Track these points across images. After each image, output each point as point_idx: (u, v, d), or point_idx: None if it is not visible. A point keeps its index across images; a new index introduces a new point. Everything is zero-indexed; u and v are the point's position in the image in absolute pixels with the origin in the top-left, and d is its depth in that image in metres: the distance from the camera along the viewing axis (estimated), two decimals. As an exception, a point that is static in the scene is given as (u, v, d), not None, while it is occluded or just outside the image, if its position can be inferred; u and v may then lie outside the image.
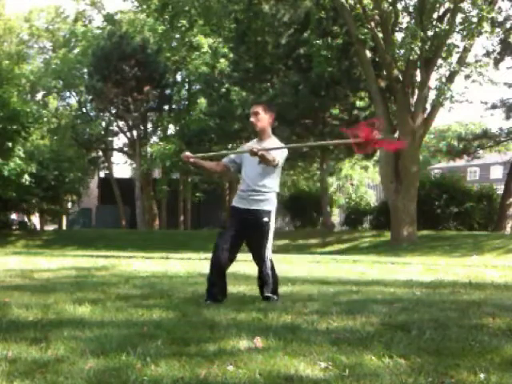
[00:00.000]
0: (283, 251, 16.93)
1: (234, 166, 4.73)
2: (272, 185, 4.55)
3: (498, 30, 15.67)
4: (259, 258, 4.59)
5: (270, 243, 4.54)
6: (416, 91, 15.85)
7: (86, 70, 27.43)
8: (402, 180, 15.74)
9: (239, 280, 6.18)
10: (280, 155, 4.45)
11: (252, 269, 8.05)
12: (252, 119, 4.57)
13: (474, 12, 14.21)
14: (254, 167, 4.49)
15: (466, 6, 14.64)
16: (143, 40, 24.88)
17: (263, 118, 4.58)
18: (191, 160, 4.76)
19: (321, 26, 18.31)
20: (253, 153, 4.21)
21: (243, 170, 4.64)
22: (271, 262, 4.61)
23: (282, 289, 5.38)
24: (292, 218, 26.43)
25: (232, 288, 5.42)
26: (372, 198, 26.09)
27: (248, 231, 4.56)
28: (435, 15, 15.24)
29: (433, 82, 15.93)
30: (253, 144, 4.62)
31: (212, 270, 4.56)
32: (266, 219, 4.49)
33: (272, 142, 4.60)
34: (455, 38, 16.18)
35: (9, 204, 21.29)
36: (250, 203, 4.52)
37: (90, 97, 26.45)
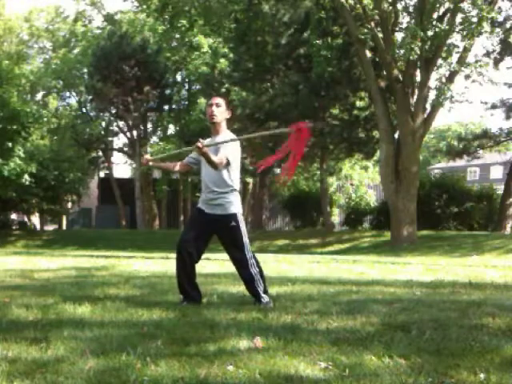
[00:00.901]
0: (283, 251, 16.95)
1: (195, 164, 4.64)
2: (230, 184, 4.37)
3: (497, 30, 15.66)
4: (241, 261, 4.41)
5: (246, 243, 4.38)
6: (416, 91, 15.85)
7: (85, 70, 27.43)
8: (402, 180, 15.74)
9: (239, 280, 6.17)
10: (230, 153, 4.27)
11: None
12: (212, 109, 4.37)
13: (474, 12, 14.21)
14: (208, 168, 4.31)
15: (466, 6, 14.63)
16: (143, 40, 24.88)
17: (224, 112, 4.43)
18: (150, 163, 4.71)
19: (321, 26, 18.31)
20: (198, 148, 4.00)
21: (201, 170, 4.49)
22: (255, 259, 4.44)
23: (282, 289, 5.39)
24: (292, 218, 26.44)
25: (232, 288, 5.43)
26: (372, 197, 26.08)
27: (217, 234, 4.45)
28: (435, 15, 15.23)
29: (433, 82, 15.94)
30: (207, 141, 4.40)
31: (179, 270, 4.42)
32: (233, 223, 4.35)
33: (225, 137, 4.40)
34: (455, 38, 16.23)
35: (9, 204, 21.29)
36: (213, 208, 4.39)
37: (90, 97, 26.45)
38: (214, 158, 4.14)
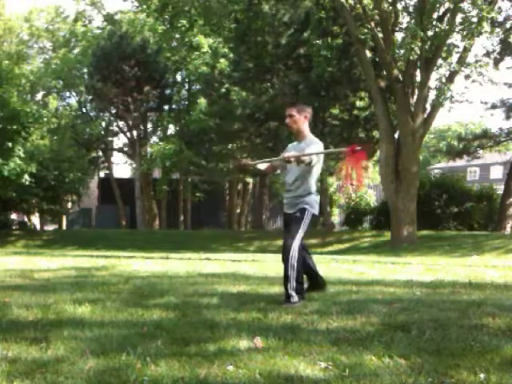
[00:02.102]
0: (283, 251, 16.93)
1: (282, 168, 4.98)
2: (308, 187, 4.68)
3: (497, 30, 15.66)
4: (286, 248, 4.57)
5: (299, 235, 4.57)
6: (416, 91, 15.85)
7: (85, 70, 27.40)
8: (402, 180, 15.73)
9: (239, 280, 6.18)
10: (315, 153, 4.61)
11: (252, 269, 8.05)
12: (287, 121, 4.74)
13: (474, 12, 14.20)
14: (291, 173, 4.73)
15: (466, 6, 14.63)
16: (143, 40, 24.87)
17: (298, 120, 4.71)
18: (250, 168, 5.21)
19: (321, 25, 18.30)
20: (287, 161, 4.46)
21: (286, 174, 4.87)
22: (298, 255, 4.53)
23: (282, 289, 5.38)
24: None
25: (232, 288, 5.43)
26: (372, 197, 26.09)
27: None
28: (435, 15, 15.22)
29: (433, 82, 15.94)
30: (293, 147, 4.79)
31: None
32: (297, 214, 4.63)
33: (307, 141, 4.73)
34: (455, 38, 16.19)
35: (9, 204, 21.28)
36: (290, 208, 4.76)
37: (90, 97, 26.43)
38: (302, 158, 4.48)
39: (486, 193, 20.59)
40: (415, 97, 15.82)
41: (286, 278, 4.49)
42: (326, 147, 5.72)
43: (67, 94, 30.86)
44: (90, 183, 29.33)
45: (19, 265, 8.69)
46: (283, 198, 4.93)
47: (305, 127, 4.76)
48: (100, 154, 31.40)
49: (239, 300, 4.66)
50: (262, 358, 2.76)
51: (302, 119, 4.72)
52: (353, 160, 4.49)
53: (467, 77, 15.45)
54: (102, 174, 33.94)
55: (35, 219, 29.32)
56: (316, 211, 4.72)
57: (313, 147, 4.61)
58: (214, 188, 29.15)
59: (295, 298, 4.45)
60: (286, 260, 4.52)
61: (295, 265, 4.49)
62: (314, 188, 4.73)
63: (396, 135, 16.69)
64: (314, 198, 4.72)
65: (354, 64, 18.55)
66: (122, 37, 24.14)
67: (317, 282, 5.08)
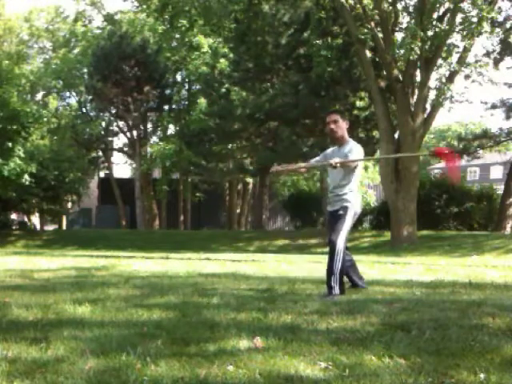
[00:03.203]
0: (283, 251, 16.94)
1: (319, 167, 5.42)
2: (350, 186, 4.94)
3: (497, 30, 15.66)
4: (331, 245, 4.83)
5: (344, 234, 4.82)
6: (416, 91, 15.85)
7: (85, 70, 27.41)
8: (402, 180, 15.73)
9: (239, 280, 6.18)
10: (357, 156, 4.90)
11: (252, 269, 8.05)
12: (332, 127, 4.95)
13: (474, 12, 14.20)
14: (334, 174, 5.01)
15: (466, 6, 14.63)
16: (143, 40, 24.87)
17: (342, 126, 4.98)
18: (281, 172, 5.52)
19: (321, 25, 18.29)
20: (333, 167, 4.75)
21: (328, 175, 5.22)
22: (343, 254, 4.81)
23: (282, 289, 5.39)
24: (292, 218, 26.47)
25: (232, 288, 5.42)
26: (372, 197, 26.09)
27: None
28: (435, 15, 15.23)
29: (433, 82, 15.94)
30: (332, 151, 5.08)
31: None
32: (341, 212, 4.89)
33: (350, 145, 4.98)
34: (455, 38, 16.16)
35: (9, 204, 21.28)
36: (333, 205, 5.04)
37: (90, 97, 26.44)
38: (348, 163, 4.80)
39: (486, 193, 20.58)
40: (415, 97, 15.82)
41: (331, 270, 4.78)
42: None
43: (67, 93, 30.88)
44: (89, 183, 29.35)
45: (19, 265, 8.69)
46: (327, 198, 5.23)
47: (346, 133, 5.05)
48: (100, 154, 31.41)
49: (239, 300, 4.66)
50: (261, 358, 2.76)
51: (344, 125, 5.01)
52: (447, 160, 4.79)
53: (467, 77, 15.46)
54: (102, 174, 33.95)
55: (35, 219, 29.31)
56: (358, 209, 5.02)
57: (355, 151, 4.89)
58: (213, 188, 29.16)
59: (336, 289, 4.77)
60: (331, 254, 4.79)
61: (340, 258, 4.77)
62: (355, 187, 5.00)
63: (396, 135, 16.69)
64: (356, 196, 5.00)
65: (354, 64, 18.55)
66: (122, 37, 24.15)
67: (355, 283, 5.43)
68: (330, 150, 5.18)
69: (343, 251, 4.81)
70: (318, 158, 5.30)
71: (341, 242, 4.79)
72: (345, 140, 5.03)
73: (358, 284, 5.39)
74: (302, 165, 5.78)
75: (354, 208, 4.95)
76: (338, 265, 4.77)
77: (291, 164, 5.74)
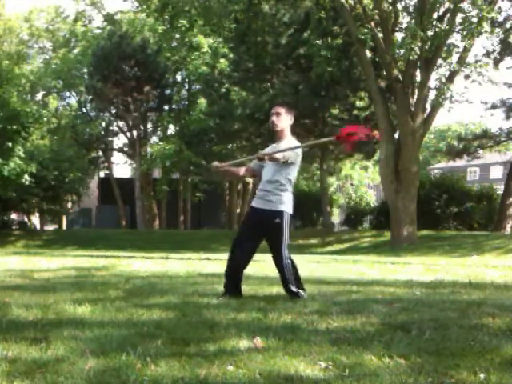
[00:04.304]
0: (283, 251, 16.93)
1: (259, 168, 4.86)
2: (284, 183, 4.60)
3: (497, 30, 15.66)
4: (277, 259, 4.67)
5: (285, 243, 4.62)
6: (416, 91, 15.85)
7: (85, 70, 27.40)
8: (402, 180, 15.74)
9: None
10: (289, 153, 4.52)
11: (252, 269, 8.05)
12: (273, 119, 4.63)
13: (474, 12, 14.21)
14: (269, 168, 4.66)
15: (466, 6, 14.63)
16: (143, 40, 24.87)
17: (284, 119, 4.66)
18: (221, 169, 4.95)
19: (321, 26, 18.30)
20: (259, 159, 4.48)
21: (263, 170, 4.80)
22: (291, 260, 4.69)
23: (282, 289, 5.38)
24: (292, 218, 26.45)
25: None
26: (372, 197, 26.09)
27: (263, 231, 4.69)
28: (435, 15, 15.23)
29: (433, 82, 15.95)
30: (272, 147, 4.74)
31: (228, 267, 4.75)
32: (277, 220, 4.58)
33: (289, 143, 4.65)
34: (455, 38, 16.24)
35: (9, 204, 21.28)
36: (265, 203, 4.65)
37: (90, 97, 26.43)
38: (276, 155, 4.45)
39: (486, 193, 20.59)
40: (415, 97, 15.83)
41: (285, 280, 4.67)
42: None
43: (67, 93, 30.87)
44: (89, 183, 29.33)
45: (19, 265, 8.69)
46: (255, 195, 4.84)
47: (288, 129, 4.72)
48: (100, 154, 31.39)
49: (239, 300, 4.65)
50: (261, 358, 2.76)
51: (287, 120, 4.68)
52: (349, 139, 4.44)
53: (467, 77, 15.45)
54: (102, 174, 33.94)
55: (35, 219, 29.32)
56: (291, 210, 4.69)
57: (291, 151, 4.56)
58: (213, 188, 29.14)
59: (301, 292, 4.68)
60: (280, 267, 4.67)
61: (289, 267, 4.65)
62: (289, 187, 4.66)
63: (396, 135, 16.69)
64: (290, 198, 4.67)
65: (354, 64, 18.55)
66: (122, 37, 24.14)
67: (236, 286, 4.78)
68: (270, 147, 4.85)
69: (289, 258, 4.66)
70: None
71: (284, 255, 4.63)
72: (284, 136, 4.68)
73: (234, 290, 4.74)
74: (238, 161, 5.43)
75: (289, 211, 4.66)
76: (288, 274, 4.64)
77: (228, 161, 5.33)
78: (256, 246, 4.75)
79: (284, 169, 4.56)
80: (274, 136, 4.83)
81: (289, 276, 4.65)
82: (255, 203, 4.75)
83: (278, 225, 4.57)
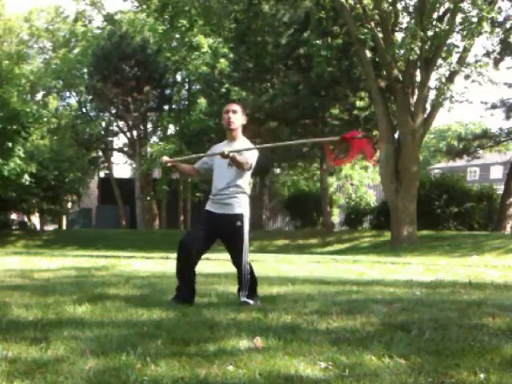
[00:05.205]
0: (283, 251, 16.95)
1: (205, 169, 4.68)
2: (241, 186, 4.46)
3: (497, 30, 15.67)
4: (237, 263, 4.49)
5: (246, 247, 4.45)
6: (416, 91, 15.85)
7: (85, 70, 27.41)
8: (402, 180, 15.74)
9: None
10: (252, 157, 4.38)
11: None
12: (230, 115, 4.45)
13: (474, 12, 14.21)
14: (222, 169, 4.45)
15: (466, 6, 14.64)
16: (143, 40, 24.87)
17: (240, 118, 4.51)
18: (169, 164, 4.75)
19: (321, 26, 18.30)
20: (224, 156, 4.17)
21: (214, 172, 4.57)
22: (250, 265, 4.51)
23: (282, 289, 5.38)
24: (292, 218, 26.45)
25: (232, 288, 5.42)
26: (372, 198, 26.09)
27: (221, 235, 4.51)
28: (435, 15, 15.24)
29: (433, 82, 15.95)
30: (223, 145, 4.54)
31: (180, 269, 4.50)
32: (238, 223, 4.42)
33: (243, 143, 4.52)
34: (455, 38, 16.26)
35: (9, 204, 21.29)
36: (222, 207, 4.46)
37: (90, 97, 26.44)
38: (241, 159, 4.24)
39: (486, 193, 20.59)
40: (415, 97, 15.83)
41: (243, 285, 4.48)
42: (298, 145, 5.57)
43: (67, 93, 30.88)
44: (89, 183, 29.36)
45: (19, 265, 8.69)
46: (210, 199, 4.60)
47: (241, 129, 4.57)
48: (100, 154, 31.40)
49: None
50: (261, 358, 2.76)
51: (242, 119, 4.53)
52: (355, 145, 4.20)
53: (467, 77, 15.46)
54: (102, 174, 33.94)
55: (35, 219, 29.33)
56: (249, 213, 4.51)
57: (249, 152, 4.38)
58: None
59: (251, 302, 4.43)
60: (239, 270, 4.48)
61: (247, 270, 4.47)
62: (248, 190, 4.53)
63: (396, 135, 16.69)
64: (247, 201, 4.51)
65: (354, 64, 18.55)
66: (122, 37, 24.15)
67: (190, 290, 4.52)
68: (218, 145, 4.66)
69: (248, 263, 4.47)
70: (204, 159, 4.72)
71: (244, 259, 4.44)
72: (237, 135, 4.53)
73: (190, 295, 4.48)
74: (194, 156, 5.18)
75: (248, 213, 4.49)
76: (245, 280, 4.45)
77: (182, 157, 5.04)
78: (207, 249, 4.57)
79: (242, 172, 4.39)
80: (227, 134, 4.61)
81: (244, 282, 4.47)
82: (212, 208, 4.52)
83: (239, 228, 4.41)
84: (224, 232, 4.49)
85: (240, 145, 4.47)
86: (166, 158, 4.76)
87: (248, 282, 4.48)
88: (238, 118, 4.49)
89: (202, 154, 4.85)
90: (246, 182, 4.49)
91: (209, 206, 4.57)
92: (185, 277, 4.49)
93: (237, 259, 4.48)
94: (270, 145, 5.43)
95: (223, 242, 4.59)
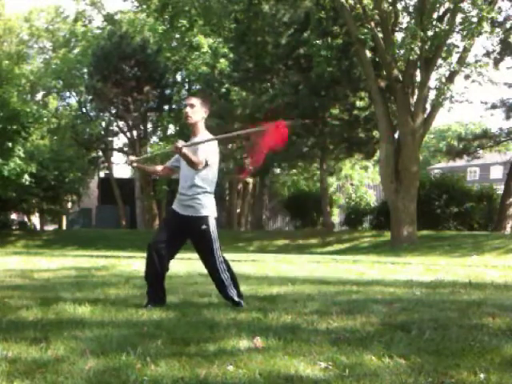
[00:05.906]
0: (283, 251, 16.94)
1: (177, 166, 4.54)
2: (202, 186, 4.26)
3: (497, 30, 15.67)
4: (211, 265, 4.39)
5: (217, 247, 4.33)
6: (416, 91, 15.85)
7: (85, 70, 27.41)
8: (402, 180, 15.74)
9: (239, 280, 6.17)
10: (207, 154, 4.17)
11: (252, 269, 8.05)
12: (186, 110, 4.29)
13: (474, 12, 14.21)
14: (184, 169, 4.32)
15: (466, 6, 14.64)
16: (143, 40, 24.87)
17: (198, 112, 4.31)
18: (134, 164, 4.70)
19: (321, 26, 18.29)
20: (176, 148, 3.99)
21: (180, 172, 4.44)
22: (226, 263, 4.39)
23: (282, 289, 5.39)
24: (292, 218, 26.45)
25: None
26: (372, 198, 26.09)
27: (189, 236, 4.41)
28: (435, 15, 15.24)
29: (433, 82, 15.95)
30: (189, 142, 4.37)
31: (149, 274, 4.40)
32: (204, 226, 4.27)
33: (204, 137, 4.31)
34: (455, 38, 16.25)
35: (9, 204, 21.28)
36: (186, 209, 4.31)
37: (90, 97, 26.44)
38: (194, 158, 4.06)
39: (486, 193, 20.59)
40: (415, 97, 15.83)
41: (222, 284, 4.37)
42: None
43: (67, 93, 30.87)
44: (89, 183, 29.34)
45: (19, 265, 8.69)
46: (175, 198, 4.46)
47: (202, 122, 4.37)
48: (100, 154, 31.39)
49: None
50: (261, 358, 2.76)
51: (202, 112, 4.33)
52: (271, 137, 4.03)
53: (467, 77, 15.46)
54: (102, 174, 33.94)
55: (35, 219, 29.32)
56: (215, 213, 4.37)
57: (203, 146, 4.16)
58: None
59: (237, 297, 4.39)
60: (214, 270, 4.37)
61: (225, 271, 4.36)
62: (211, 189, 4.34)
63: (396, 135, 16.69)
64: (212, 200, 4.35)
65: (354, 64, 18.55)
66: (122, 37, 24.14)
67: (161, 292, 4.46)
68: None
69: (223, 261, 4.35)
70: (176, 156, 4.52)
71: (218, 258, 4.31)
72: (198, 130, 4.33)
73: (159, 298, 4.41)
74: (152, 155, 5.09)
75: (213, 214, 4.33)
76: (225, 277, 4.32)
77: (145, 155, 4.94)
78: (177, 251, 4.46)
79: (200, 171, 4.19)
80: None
81: (226, 280, 4.34)
82: (177, 207, 4.38)
83: (205, 231, 4.26)
84: (190, 234, 4.38)
85: (199, 140, 4.26)
86: (132, 158, 4.72)
87: (229, 279, 4.37)
88: (195, 111, 4.28)
89: (160, 151, 4.77)
90: (207, 180, 4.28)
91: (175, 205, 4.43)
92: (154, 280, 4.39)
93: (210, 261, 4.36)
94: (223, 136, 5.26)
95: (192, 243, 4.46)
